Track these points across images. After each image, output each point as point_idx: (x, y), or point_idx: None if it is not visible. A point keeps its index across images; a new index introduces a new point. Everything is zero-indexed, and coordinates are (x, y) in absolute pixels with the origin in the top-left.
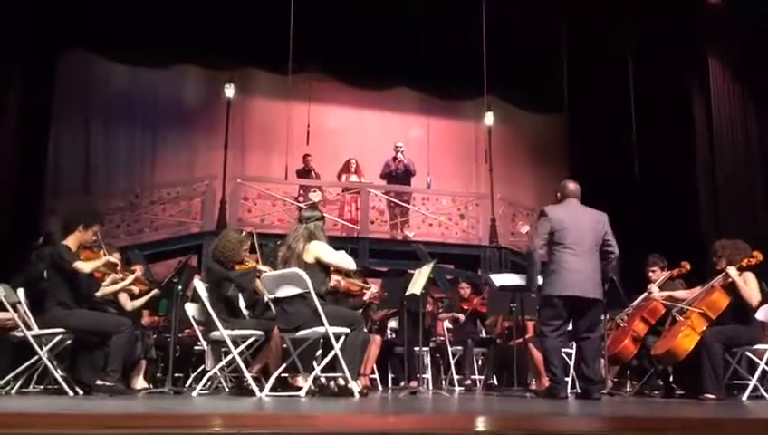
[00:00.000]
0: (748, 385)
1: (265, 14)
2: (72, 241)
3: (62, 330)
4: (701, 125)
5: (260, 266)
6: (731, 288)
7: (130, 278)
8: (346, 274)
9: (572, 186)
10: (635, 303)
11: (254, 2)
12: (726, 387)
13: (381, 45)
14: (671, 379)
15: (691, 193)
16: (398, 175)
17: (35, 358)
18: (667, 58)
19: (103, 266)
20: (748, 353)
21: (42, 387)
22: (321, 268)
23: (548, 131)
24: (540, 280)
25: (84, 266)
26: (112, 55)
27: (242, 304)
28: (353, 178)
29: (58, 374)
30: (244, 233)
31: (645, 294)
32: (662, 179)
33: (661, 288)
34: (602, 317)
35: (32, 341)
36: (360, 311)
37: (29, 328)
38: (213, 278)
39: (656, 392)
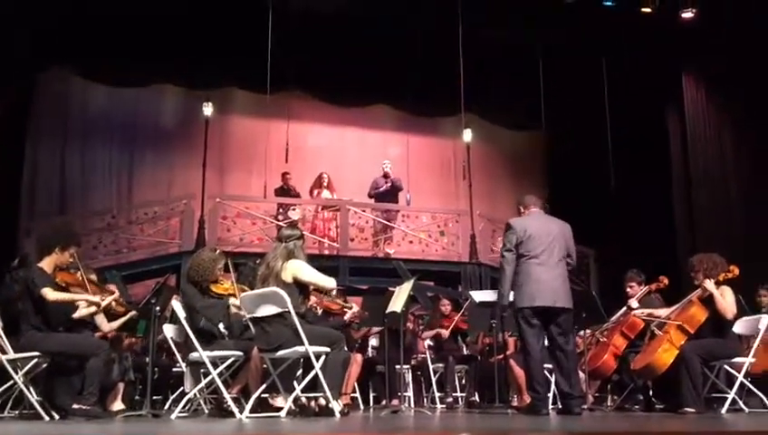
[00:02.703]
0: (726, 398)
1: (244, 33)
2: (47, 263)
3: (37, 354)
4: (676, 140)
5: (232, 300)
6: (708, 302)
7: (109, 299)
8: (325, 293)
9: (532, 197)
10: (614, 318)
11: (232, 21)
12: (705, 400)
13: (360, 63)
14: (651, 393)
15: (667, 208)
16: (388, 192)
17: (11, 382)
18: (642, 74)
19: (79, 301)
20: (726, 367)
21: (17, 412)
22: (300, 287)
23: (526, 148)
24: (511, 296)
25: (50, 295)
26: (90, 74)
27: (220, 325)
28: (325, 192)
29: (33, 399)
30: (218, 251)
31: (624, 309)
32: (638, 194)
33: (639, 302)
34: (575, 328)
35: (6, 365)
36: (340, 330)
37: (4, 352)
38: (186, 302)
39: (636, 407)
